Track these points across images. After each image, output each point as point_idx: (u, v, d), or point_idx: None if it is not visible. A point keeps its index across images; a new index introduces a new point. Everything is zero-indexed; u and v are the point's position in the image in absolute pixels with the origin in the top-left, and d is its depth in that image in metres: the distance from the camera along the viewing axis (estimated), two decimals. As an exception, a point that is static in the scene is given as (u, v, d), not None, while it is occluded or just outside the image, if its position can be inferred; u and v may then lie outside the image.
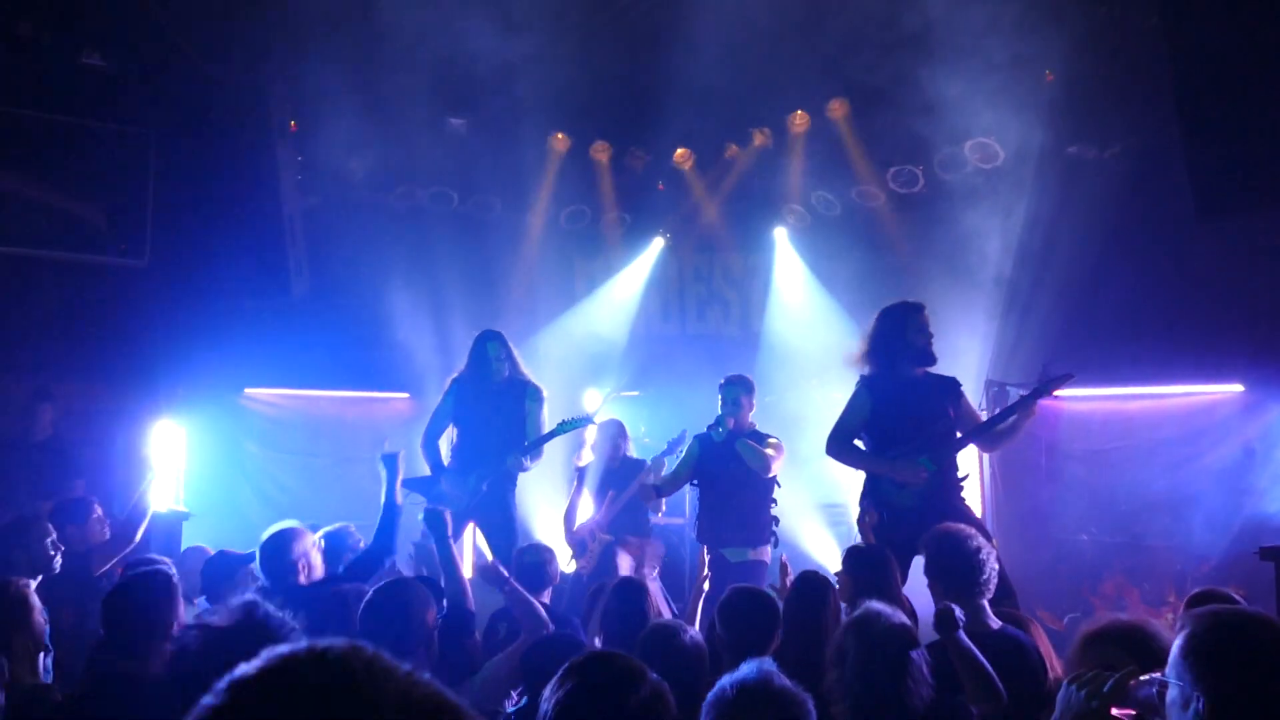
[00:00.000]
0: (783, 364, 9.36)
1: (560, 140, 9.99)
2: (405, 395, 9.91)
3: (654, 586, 6.65)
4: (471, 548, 8.11)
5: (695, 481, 6.90)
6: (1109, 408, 8.40)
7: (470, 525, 7.04)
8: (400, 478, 5.39)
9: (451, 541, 4.98)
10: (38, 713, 3.52)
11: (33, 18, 7.53)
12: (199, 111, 7.99)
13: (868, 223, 9.78)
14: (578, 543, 7.59)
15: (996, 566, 4.13)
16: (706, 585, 6.32)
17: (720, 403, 6.70)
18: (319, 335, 8.97)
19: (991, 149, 8.45)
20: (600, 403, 8.68)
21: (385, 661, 1.02)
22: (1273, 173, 5.79)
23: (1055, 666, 3.86)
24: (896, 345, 5.88)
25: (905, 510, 5.62)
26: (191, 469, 8.67)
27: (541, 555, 5.66)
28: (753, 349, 9.99)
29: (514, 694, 3.98)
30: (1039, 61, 7.58)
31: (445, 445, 7.04)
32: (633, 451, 7.95)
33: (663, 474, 8.02)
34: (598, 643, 4.81)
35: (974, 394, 8.28)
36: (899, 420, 5.83)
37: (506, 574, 4.89)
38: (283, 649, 1.02)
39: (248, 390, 9.39)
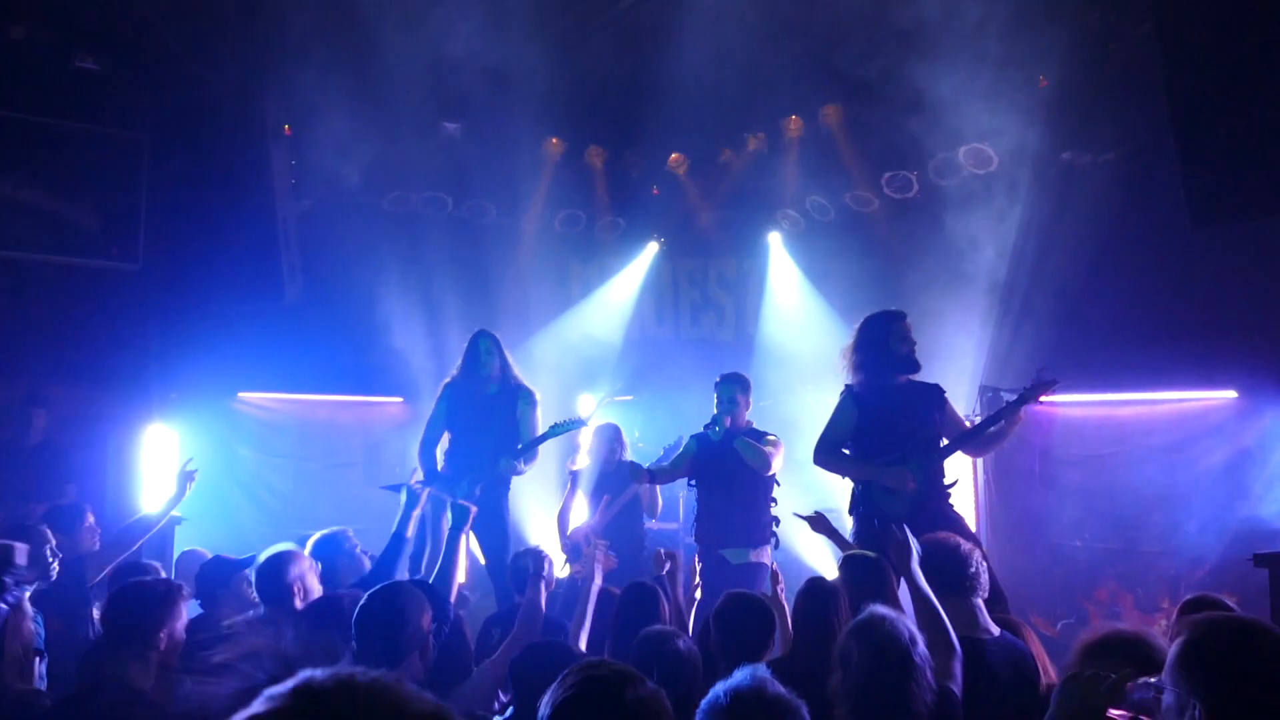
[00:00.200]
0: (777, 368, 9.37)
1: (555, 145, 10.00)
2: (399, 400, 9.89)
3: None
4: (465, 552, 8.08)
5: (692, 481, 6.82)
6: (1103, 413, 8.41)
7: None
8: (417, 512, 5.40)
9: (465, 540, 5.01)
10: (27, 718, 3.50)
11: (26, 21, 7.53)
12: (193, 115, 7.98)
13: (862, 228, 9.80)
14: (572, 547, 7.57)
15: (986, 565, 4.13)
16: (699, 594, 6.24)
17: (716, 401, 6.64)
18: (312, 339, 8.95)
19: (986, 154, 8.47)
20: (595, 407, 8.67)
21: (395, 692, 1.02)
22: (1266, 179, 5.80)
23: (1049, 672, 3.86)
24: (879, 354, 5.89)
25: (895, 517, 5.62)
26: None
27: (537, 560, 5.64)
28: (747, 353, 10.00)
29: (502, 696, 3.97)
30: (1033, 67, 7.59)
31: (440, 452, 7.03)
32: (629, 456, 7.93)
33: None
34: (583, 645, 4.81)
35: (968, 399, 8.29)
36: (884, 429, 5.84)
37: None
38: (304, 675, 1.01)
39: (241, 394, 9.36)
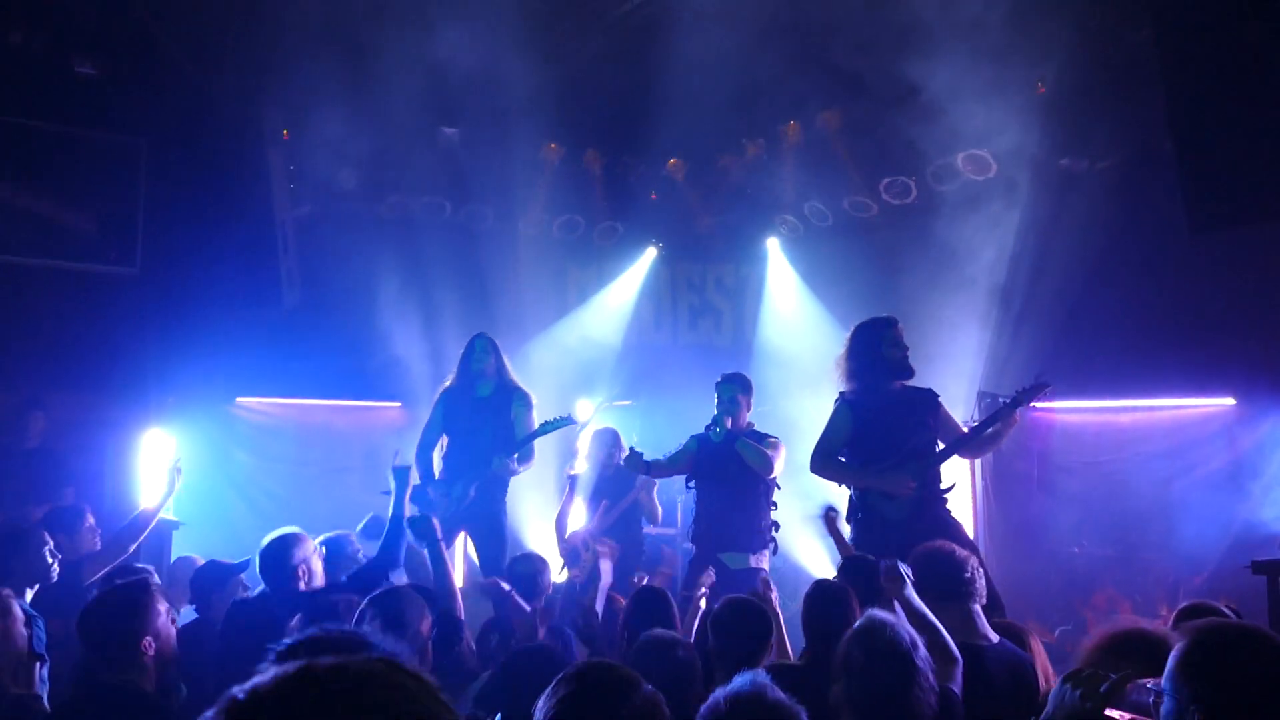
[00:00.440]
0: (776, 373, 9.35)
1: (553, 150, 10.00)
2: (397, 404, 9.87)
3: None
4: (463, 556, 8.08)
5: (691, 484, 6.79)
6: (1101, 420, 8.41)
7: (462, 534, 7.03)
8: (410, 490, 5.37)
9: (443, 548, 4.96)
10: (25, 722, 3.49)
11: (24, 26, 7.53)
12: (191, 120, 7.98)
13: (860, 234, 9.81)
14: (570, 551, 7.56)
15: (982, 572, 4.13)
16: (703, 603, 6.20)
17: (717, 401, 6.60)
18: (310, 344, 8.94)
19: (984, 160, 8.47)
20: (593, 412, 8.68)
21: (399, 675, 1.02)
22: (1264, 186, 5.80)
23: (1051, 679, 3.85)
24: (872, 361, 5.90)
25: (893, 523, 5.64)
26: (182, 478, 8.61)
27: (534, 565, 5.63)
28: (745, 359, 9.99)
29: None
30: (1031, 73, 7.60)
31: (438, 455, 7.03)
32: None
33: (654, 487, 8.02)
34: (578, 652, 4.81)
35: (967, 405, 8.29)
36: (880, 435, 5.85)
37: (508, 587, 4.87)
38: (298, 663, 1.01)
39: (239, 399, 9.35)
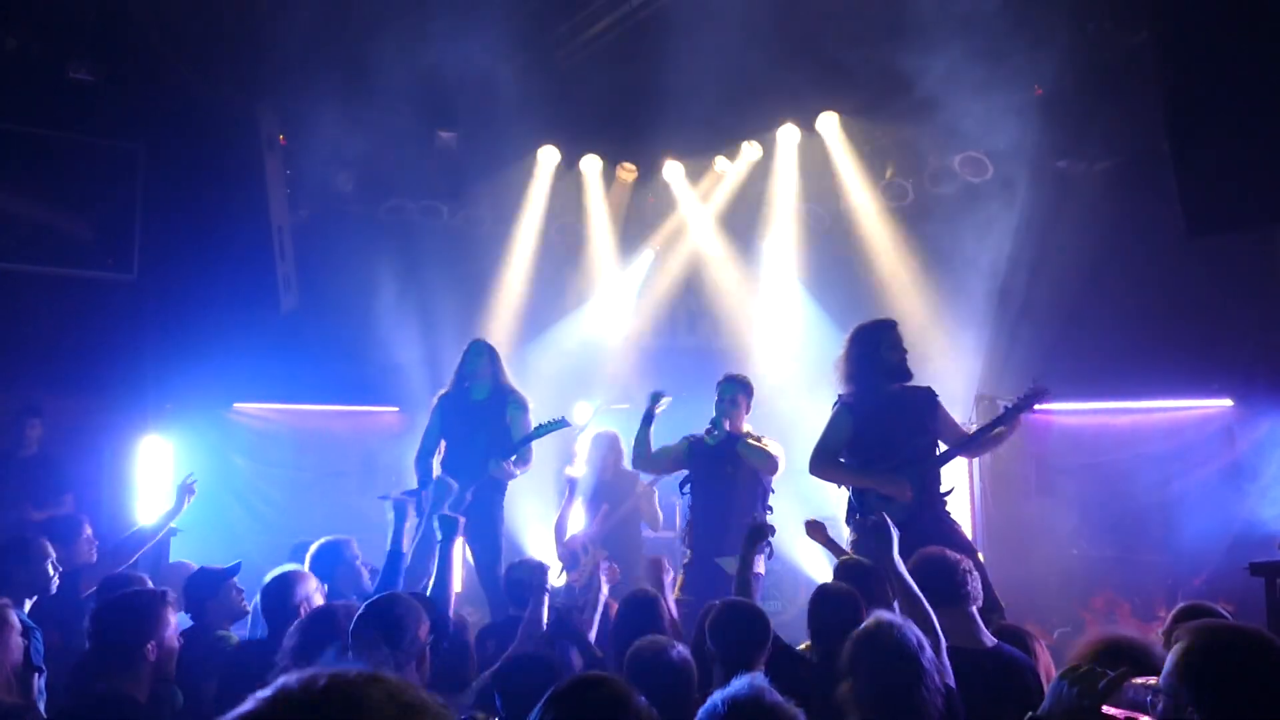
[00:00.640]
0: (773, 376, 9.35)
1: (550, 153, 10.01)
2: (395, 409, 9.87)
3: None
4: (461, 561, 8.07)
5: (686, 487, 6.75)
6: (1099, 422, 8.41)
7: (460, 538, 7.02)
8: (408, 525, 5.36)
9: (455, 550, 4.96)
10: (19, 732, 3.48)
11: (20, 31, 7.52)
12: (187, 125, 7.98)
13: (857, 236, 9.79)
14: (569, 555, 7.55)
15: (978, 575, 4.13)
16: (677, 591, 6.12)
17: (716, 401, 6.58)
18: (308, 349, 8.93)
19: (981, 163, 8.48)
20: (590, 415, 8.67)
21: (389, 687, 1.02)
22: (1261, 189, 5.81)
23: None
24: (871, 364, 5.90)
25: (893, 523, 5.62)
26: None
27: (532, 570, 5.61)
28: (743, 361, 9.98)
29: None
30: (1028, 76, 7.60)
31: (437, 461, 7.04)
32: (627, 465, 7.92)
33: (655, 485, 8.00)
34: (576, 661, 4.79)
35: (965, 408, 8.28)
36: (880, 438, 5.84)
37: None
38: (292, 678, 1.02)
39: (236, 405, 9.34)
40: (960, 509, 7.38)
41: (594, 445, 7.97)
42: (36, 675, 4.11)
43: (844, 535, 5.96)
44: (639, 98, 8.61)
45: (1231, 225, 6.25)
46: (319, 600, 4.72)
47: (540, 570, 5.35)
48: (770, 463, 6.42)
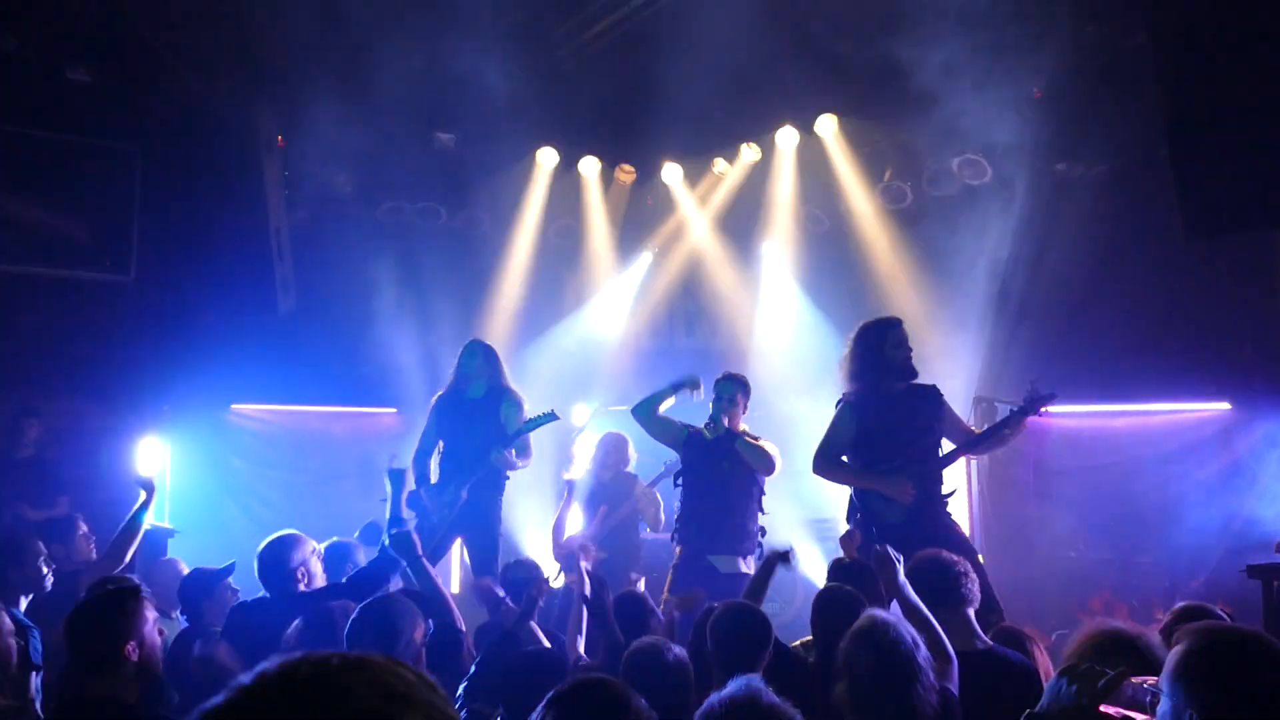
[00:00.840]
0: (771, 378, 9.34)
1: (549, 155, 10.01)
2: (393, 410, 9.87)
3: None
4: (459, 561, 8.07)
5: (679, 481, 6.70)
6: (1097, 424, 8.41)
7: (458, 539, 7.03)
8: (406, 493, 5.34)
9: (425, 561, 4.87)
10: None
11: (17, 33, 7.52)
12: (185, 126, 7.98)
13: (856, 238, 9.79)
14: (565, 556, 7.53)
15: (975, 578, 4.12)
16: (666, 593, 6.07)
17: (714, 399, 6.56)
18: (306, 350, 8.94)
19: (980, 165, 8.48)
20: (588, 417, 8.67)
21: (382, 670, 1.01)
22: (1259, 192, 5.82)
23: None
24: (875, 363, 5.88)
25: (893, 526, 5.62)
26: (177, 485, 8.60)
27: (529, 571, 5.62)
28: (741, 363, 9.96)
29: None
30: (1027, 79, 7.61)
31: (435, 462, 7.05)
32: (631, 468, 7.91)
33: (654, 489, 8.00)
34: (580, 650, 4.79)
35: (962, 411, 8.28)
36: (883, 437, 5.83)
37: (502, 593, 4.84)
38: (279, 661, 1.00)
39: (234, 406, 9.34)
40: (958, 511, 7.38)
41: (597, 446, 7.97)
42: (34, 674, 4.10)
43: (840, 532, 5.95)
44: (638, 99, 8.61)
45: (1229, 228, 6.26)
46: (316, 564, 4.72)
47: (534, 567, 5.35)
48: (768, 463, 6.40)
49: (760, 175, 9.96)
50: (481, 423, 6.90)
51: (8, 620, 3.98)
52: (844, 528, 6.00)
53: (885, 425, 5.83)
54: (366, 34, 7.80)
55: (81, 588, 5.42)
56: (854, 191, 9.52)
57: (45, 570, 5.07)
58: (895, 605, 4.39)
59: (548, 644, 4.69)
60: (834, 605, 4.21)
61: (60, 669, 4.35)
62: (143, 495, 5.80)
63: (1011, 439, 5.88)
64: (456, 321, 9.29)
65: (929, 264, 8.85)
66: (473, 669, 4.20)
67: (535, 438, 6.99)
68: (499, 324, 9.85)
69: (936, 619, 3.74)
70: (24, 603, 4.90)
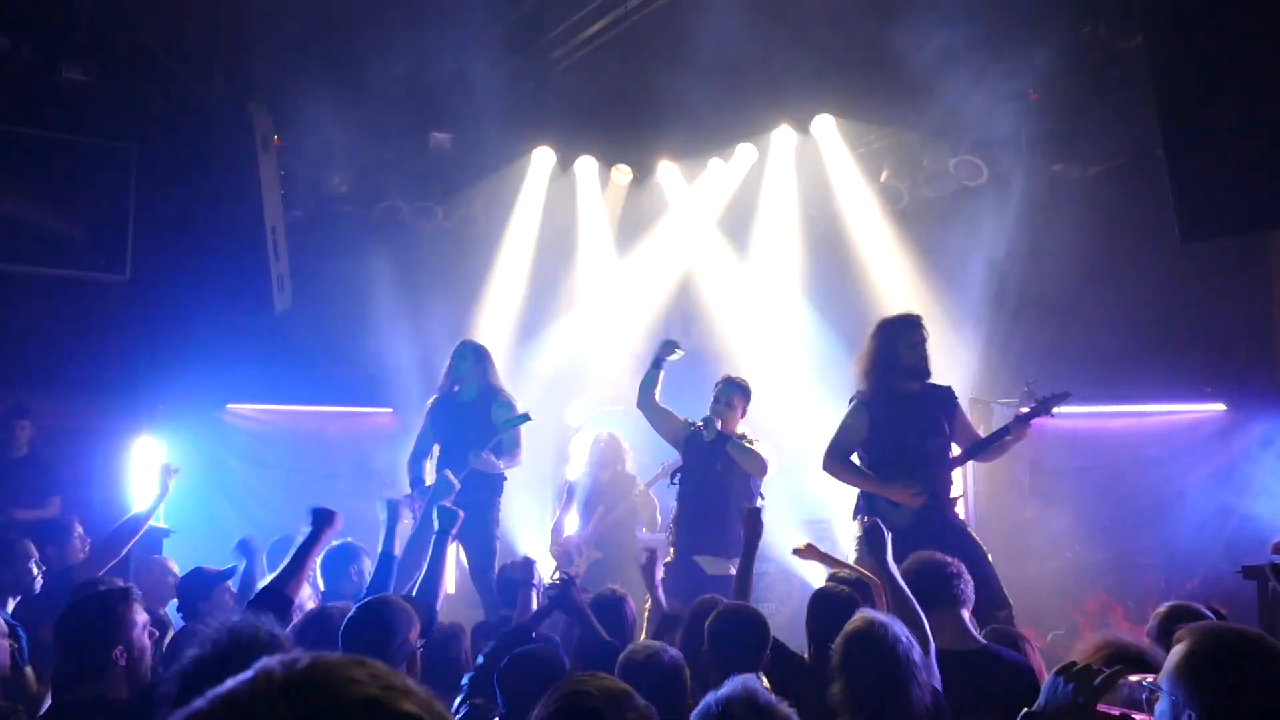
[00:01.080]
0: (767, 378, 9.34)
1: (545, 155, 10.00)
2: (388, 410, 9.86)
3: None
4: (455, 563, 8.06)
5: (675, 479, 6.72)
6: (1092, 425, 8.42)
7: (455, 542, 7.02)
8: (402, 525, 5.33)
9: (452, 545, 4.92)
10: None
11: (12, 31, 7.50)
12: (181, 125, 7.96)
13: (852, 238, 9.79)
14: (563, 555, 7.54)
15: (969, 579, 4.12)
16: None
17: (712, 402, 6.56)
18: (302, 350, 8.93)
19: (976, 166, 8.48)
20: (585, 417, 8.67)
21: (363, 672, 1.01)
22: (1255, 194, 5.82)
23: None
24: (888, 362, 5.86)
25: (899, 529, 5.57)
26: (172, 485, 8.57)
27: (525, 570, 5.60)
28: (737, 364, 9.96)
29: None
30: (1023, 81, 7.62)
31: (430, 466, 7.06)
32: (630, 468, 7.91)
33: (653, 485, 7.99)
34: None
35: (959, 411, 8.29)
36: (894, 438, 5.81)
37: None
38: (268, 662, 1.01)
39: (230, 406, 9.33)
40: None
41: (593, 446, 7.97)
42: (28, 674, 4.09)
43: (837, 538, 5.95)
44: (634, 100, 8.62)
45: (1224, 230, 6.26)
46: (305, 588, 4.70)
47: (529, 566, 5.35)
48: (759, 465, 6.39)
49: (757, 176, 9.96)
50: (472, 425, 6.90)
51: (2, 622, 3.97)
52: (842, 529, 6.00)
53: (897, 425, 5.81)
54: (363, 33, 7.80)
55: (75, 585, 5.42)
56: (850, 192, 9.52)
57: (36, 572, 5.06)
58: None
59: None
60: (829, 605, 4.21)
61: (46, 668, 4.34)
62: (158, 489, 5.79)
63: (1015, 443, 5.85)
64: (452, 321, 9.29)
65: (925, 264, 8.86)
66: (479, 660, 4.19)
67: (531, 438, 6.99)
68: (494, 324, 9.84)
69: (932, 619, 3.74)
70: (11, 604, 4.89)
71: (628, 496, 7.85)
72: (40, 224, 7.99)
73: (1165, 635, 3.23)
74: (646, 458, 8.52)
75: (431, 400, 7.20)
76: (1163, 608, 3.88)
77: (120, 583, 4.66)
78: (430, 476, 6.95)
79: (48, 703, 3.74)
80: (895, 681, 3.13)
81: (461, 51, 7.70)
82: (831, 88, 8.54)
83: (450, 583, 8.57)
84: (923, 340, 5.88)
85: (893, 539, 5.39)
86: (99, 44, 7.78)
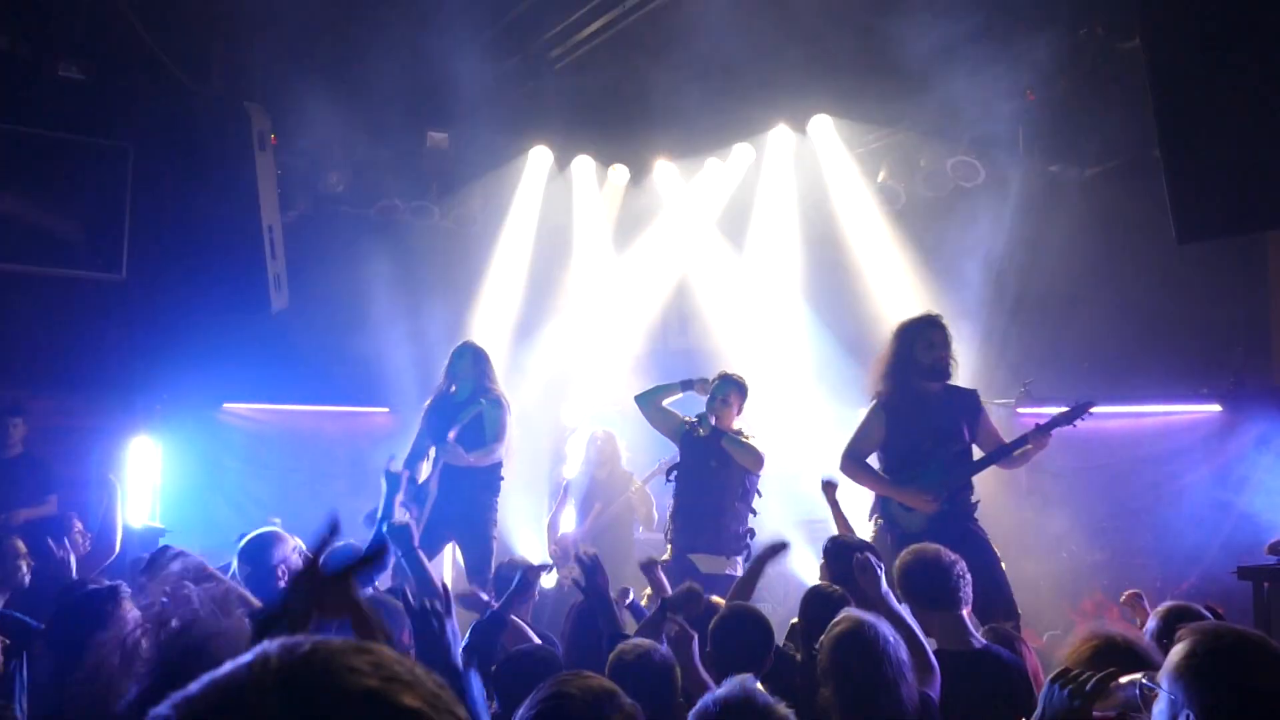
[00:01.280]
0: (764, 378, 9.33)
1: (542, 154, 10.00)
2: (385, 410, 9.86)
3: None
4: (451, 562, 8.05)
5: (671, 476, 6.71)
6: (1089, 426, 8.35)
7: (451, 542, 7.02)
8: (400, 496, 5.32)
9: (420, 554, 4.86)
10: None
11: (8, 30, 7.49)
12: (177, 124, 7.94)
13: (849, 238, 9.79)
14: (560, 553, 7.54)
15: (969, 579, 4.10)
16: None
17: (708, 399, 6.55)
18: (298, 350, 8.92)
19: (973, 166, 8.48)
20: (582, 417, 8.67)
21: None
22: (1252, 195, 5.81)
23: (1043, 684, 3.84)
24: (906, 362, 5.82)
25: (912, 533, 5.53)
26: (169, 485, 8.58)
27: (517, 567, 5.59)
28: (735, 364, 9.95)
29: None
30: (1020, 81, 7.62)
31: (426, 466, 7.05)
32: (625, 464, 7.90)
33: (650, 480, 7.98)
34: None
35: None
36: (913, 441, 5.77)
37: (486, 597, 4.82)
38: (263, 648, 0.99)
39: (226, 405, 9.32)
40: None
41: (589, 444, 7.97)
42: (17, 675, 4.07)
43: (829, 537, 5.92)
44: (631, 99, 8.61)
45: (1221, 231, 6.25)
46: (297, 561, 4.68)
47: (522, 567, 5.34)
48: (754, 458, 6.36)
49: (754, 175, 9.96)
50: (464, 424, 6.90)
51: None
52: (868, 524, 5.94)
53: (915, 429, 5.77)
54: (359, 32, 7.79)
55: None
56: (847, 192, 9.52)
57: (24, 569, 5.06)
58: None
59: (535, 639, 4.67)
60: (821, 604, 4.20)
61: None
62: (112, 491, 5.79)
63: (1036, 453, 5.79)
64: (449, 321, 9.29)
65: (922, 264, 8.86)
66: (465, 639, 4.18)
67: (528, 438, 6.99)
68: (492, 323, 9.83)
69: (930, 620, 3.73)
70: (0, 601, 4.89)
71: (624, 494, 7.85)
72: (36, 223, 7.97)
73: (1166, 635, 3.23)
74: (644, 456, 8.51)
75: (428, 401, 7.20)
76: (1159, 608, 3.88)
77: (106, 582, 4.66)
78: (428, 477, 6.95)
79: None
80: (885, 681, 3.12)
81: (458, 51, 7.69)
82: (828, 87, 8.55)
83: (448, 581, 8.58)
84: (942, 340, 5.83)
85: (904, 543, 5.39)
86: (95, 42, 7.77)
